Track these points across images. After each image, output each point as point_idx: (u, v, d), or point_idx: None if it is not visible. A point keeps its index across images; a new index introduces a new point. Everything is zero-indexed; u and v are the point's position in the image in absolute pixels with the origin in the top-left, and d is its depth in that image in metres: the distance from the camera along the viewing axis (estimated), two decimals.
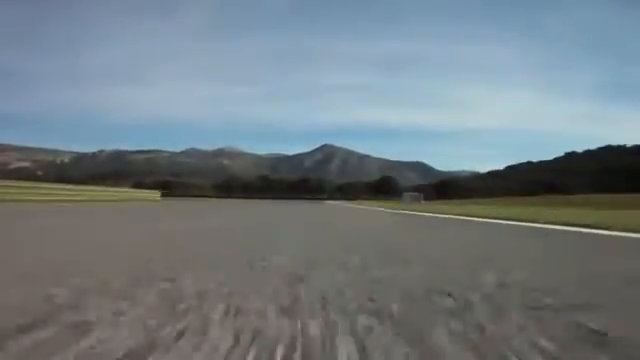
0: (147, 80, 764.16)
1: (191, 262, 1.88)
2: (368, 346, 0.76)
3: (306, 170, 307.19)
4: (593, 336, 0.84)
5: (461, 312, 1.01)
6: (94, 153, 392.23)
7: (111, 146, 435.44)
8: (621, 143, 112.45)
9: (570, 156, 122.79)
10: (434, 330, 0.87)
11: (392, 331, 0.86)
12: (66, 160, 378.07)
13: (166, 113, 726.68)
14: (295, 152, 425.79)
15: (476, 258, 2.21)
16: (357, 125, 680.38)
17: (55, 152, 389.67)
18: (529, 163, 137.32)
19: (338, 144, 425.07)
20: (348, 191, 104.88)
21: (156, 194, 20.32)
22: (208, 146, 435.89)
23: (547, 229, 4.37)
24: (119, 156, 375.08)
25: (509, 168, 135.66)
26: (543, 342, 0.79)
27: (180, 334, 0.81)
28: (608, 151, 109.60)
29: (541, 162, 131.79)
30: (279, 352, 0.72)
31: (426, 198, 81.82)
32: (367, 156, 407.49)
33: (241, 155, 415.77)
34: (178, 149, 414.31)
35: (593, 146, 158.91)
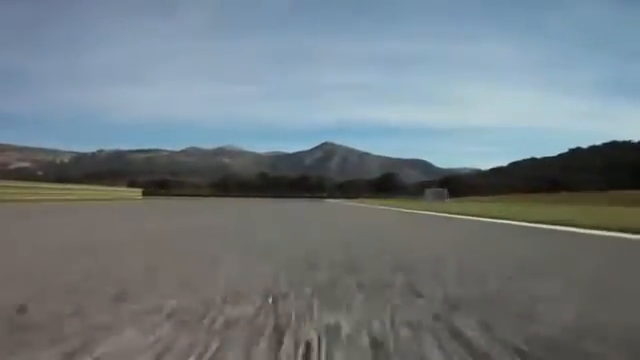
0: (147, 80, 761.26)
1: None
2: None
3: (306, 168, 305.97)
4: None
5: None
6: (94, 153, 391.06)
7: (111, 146, 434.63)
8: (626, 139, 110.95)
9: (575, 152, 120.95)
10: None
11: None
12: (66, 160, 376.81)
13: (166, 112, 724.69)
14: (295, 150, 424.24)
15: None
16: (357, 123, 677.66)
17: (55, 152, 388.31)
18: (532, 159, 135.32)
19: (338, 142, 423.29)
20: (349, 189, 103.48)
21: (137, 193, 18.92)
22: (208, 145, 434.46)
23: None
24: (119, 156, 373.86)
25: (513, 165, 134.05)
26: None
27: None
28: (613, 147, 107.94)
29: (545, 158, 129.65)
30: None
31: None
32: (367, 154, 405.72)
33: (241, 154, 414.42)
34: (178, 148, 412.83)
35: (595, 142, 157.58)
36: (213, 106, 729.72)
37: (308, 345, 0.76)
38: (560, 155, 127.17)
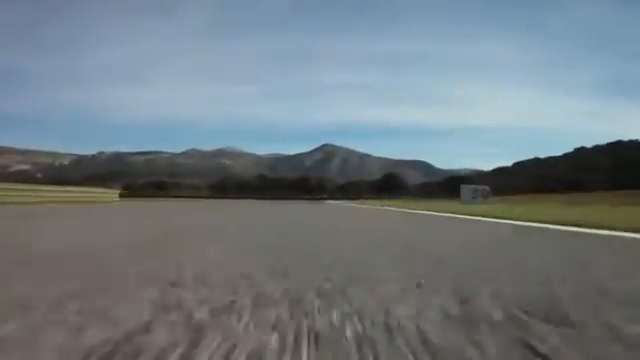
0: (147, 80, 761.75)
1: None
2: None
3: (306, 170, 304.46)
4: None
5: None
6: (94, 155, 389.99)
7: (111, 148, 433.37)
8: (629, 138, 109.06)
9: (579, 152, 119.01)
10: None
11: None
12: (65, 162, 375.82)
13: (166, 113, 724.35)
14: (295, 152, 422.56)
15: None
16: (357, 124, 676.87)
17: (54, 154, 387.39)
18: (536, 159, 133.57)
19: (338, 143, 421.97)
20: (350, 190, 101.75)
21: (113, 195, 17.16)
22: (208, 146, 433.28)
23: None
24: (119, 158, 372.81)
25: (517, 164, 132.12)
26: None
27: None
28: (618, 146, 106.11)
29: (550, 158, 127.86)
30: None
31: (431, 196, 77.48)
32: (368, 155, 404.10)
33: (241, 155, 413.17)
34: (178, 150, 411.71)
35: (598, 142, 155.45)
36: (213, 106, 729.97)
37: None
38: (565, 155, 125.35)
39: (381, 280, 1.44)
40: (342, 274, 1.54)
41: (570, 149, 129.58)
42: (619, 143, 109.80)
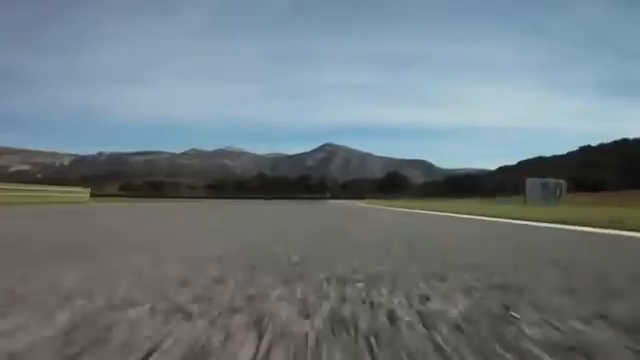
0: (147, 80, 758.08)
1: None
2: None
3: (308, 169, 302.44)
4: None
5: None
6: (94, 156, 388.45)
7: (111, 148, 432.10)
8: (637, 136, 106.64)
9: (585, 150, 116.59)
10: None
11: None
12: (65, 163, 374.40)
13: (166, 113, 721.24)
14: (296, 152, 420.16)
15: None
16: (358, 124, 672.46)
17: (54, 155, 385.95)
18: (541, 158, 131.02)
19: (339, 143, 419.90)
20: (352, 189, 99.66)
21: (82, 194, 14.97)
22: (209, 147, 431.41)
23: None
24: (119, 158, 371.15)
25: (521, 163, 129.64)
26: None
27: None
28: (623, 145, 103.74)
29: (554, 157, 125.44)
30: None
31: (433, 196, 74.87)
32: (369, 155, 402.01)
33: (242, 155, 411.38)
34: (179, 150, 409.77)
35: (598, 141, 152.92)
36: (213, 107, 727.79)
37: None
38: (570, 153, 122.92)
39: None
40: None
41: (573, 148, 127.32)
42: (625, 141, 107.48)
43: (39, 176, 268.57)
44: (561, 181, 20.20)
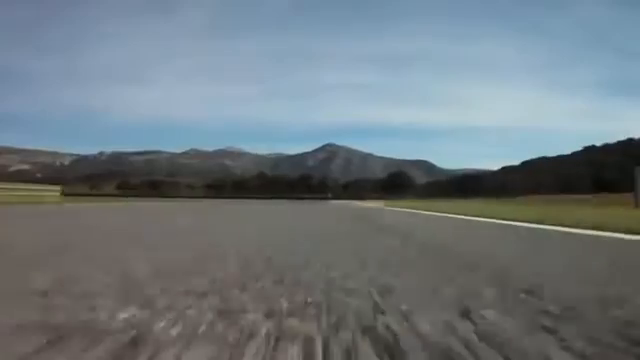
0: (147, 80, 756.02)
1: None
2: None
3: (309, 169, 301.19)
4: None
5: None
6: (94, 155, 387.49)
7: (111, 147, 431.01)
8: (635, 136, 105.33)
9: (589, 150, 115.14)
10: None
11: None
12: (65, 162, 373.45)
13: (166, 113, 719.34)
14: (297, 152, 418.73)
15: None
16: (359, 124, 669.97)
17: (54, 154, 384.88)
18: (544, 158, 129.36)
19: (340, 143, 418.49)
20: (353, 190, 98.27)
21: (52, 192, 13.49)
22: (209, 147, 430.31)
23: None
24: (119, 158, 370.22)
25: (525, 164, 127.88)
26: None
27: None
28: (628, 145, 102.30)
29: (558, 157, 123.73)
30: None
31: (436, 196, 73.45)
32: (370, 155, 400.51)
33: (242, 155, 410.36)
34: (179, 150, 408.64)
35: (599, 141, 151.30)
36: (214, 107, 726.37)
37: None
38: (574, 153, 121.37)
39: None
40: None
41: (576, 148, 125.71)
42: (631, 141, 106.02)
43: (39, 175, 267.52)
44: None
